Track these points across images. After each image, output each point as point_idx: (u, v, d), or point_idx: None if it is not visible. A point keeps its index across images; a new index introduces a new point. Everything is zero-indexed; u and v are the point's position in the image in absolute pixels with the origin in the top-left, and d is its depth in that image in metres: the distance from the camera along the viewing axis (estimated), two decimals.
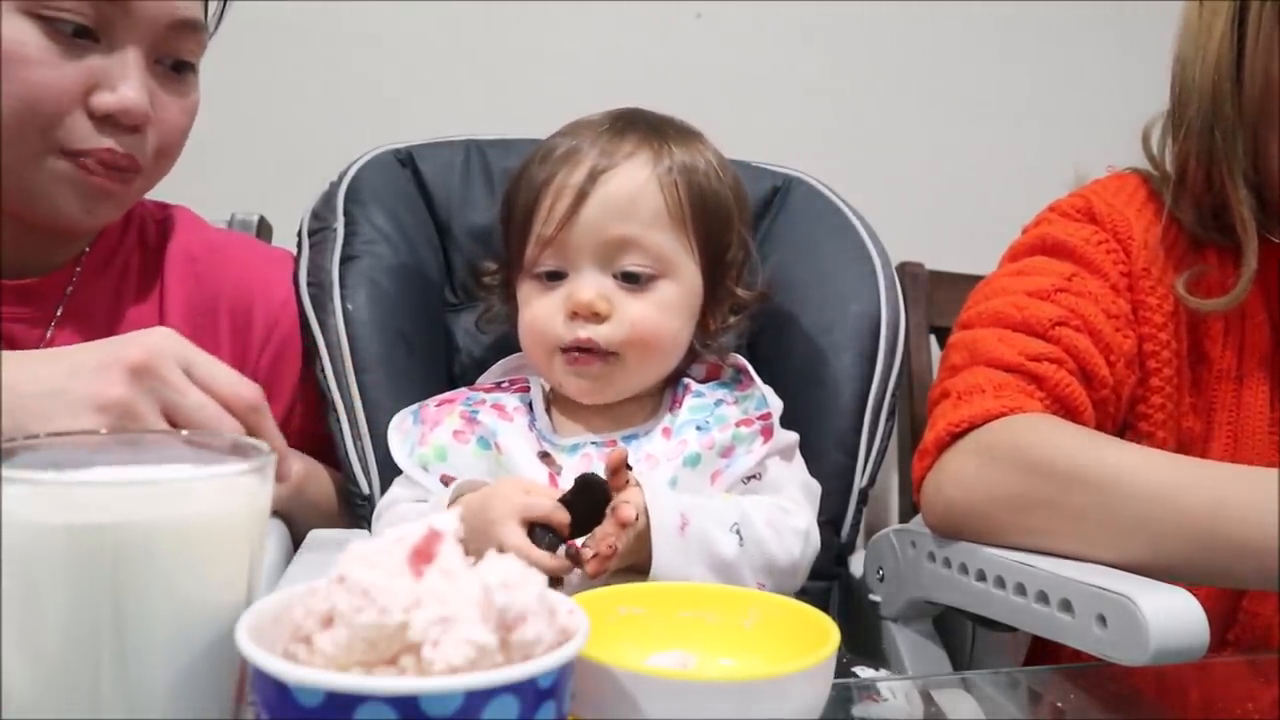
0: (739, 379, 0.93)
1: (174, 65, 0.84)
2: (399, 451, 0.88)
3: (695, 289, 0.89)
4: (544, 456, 0.85)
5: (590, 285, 0.84)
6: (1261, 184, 0.89)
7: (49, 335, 0.86)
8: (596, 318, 0.84)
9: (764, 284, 0.95)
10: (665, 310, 0.86)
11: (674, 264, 0.86)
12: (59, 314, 0.87)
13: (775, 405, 0.88)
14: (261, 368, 0.95)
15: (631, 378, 0.87)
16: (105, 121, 0.80)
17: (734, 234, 0.91)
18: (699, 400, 0.89)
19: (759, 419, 0.88)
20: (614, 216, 0.84)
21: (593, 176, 0.85)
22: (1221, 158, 0.88)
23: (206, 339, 0.93)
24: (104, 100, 0.79)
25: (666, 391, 0.92)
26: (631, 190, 0.85)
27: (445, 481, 0.85)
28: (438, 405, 0.91)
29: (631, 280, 0.85)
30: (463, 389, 0.94)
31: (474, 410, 0.88)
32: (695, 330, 0.90)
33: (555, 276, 0.87)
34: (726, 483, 0.85)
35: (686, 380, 0.92)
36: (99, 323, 0.89)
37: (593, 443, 0.87)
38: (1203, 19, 0.89)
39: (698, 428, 0.87)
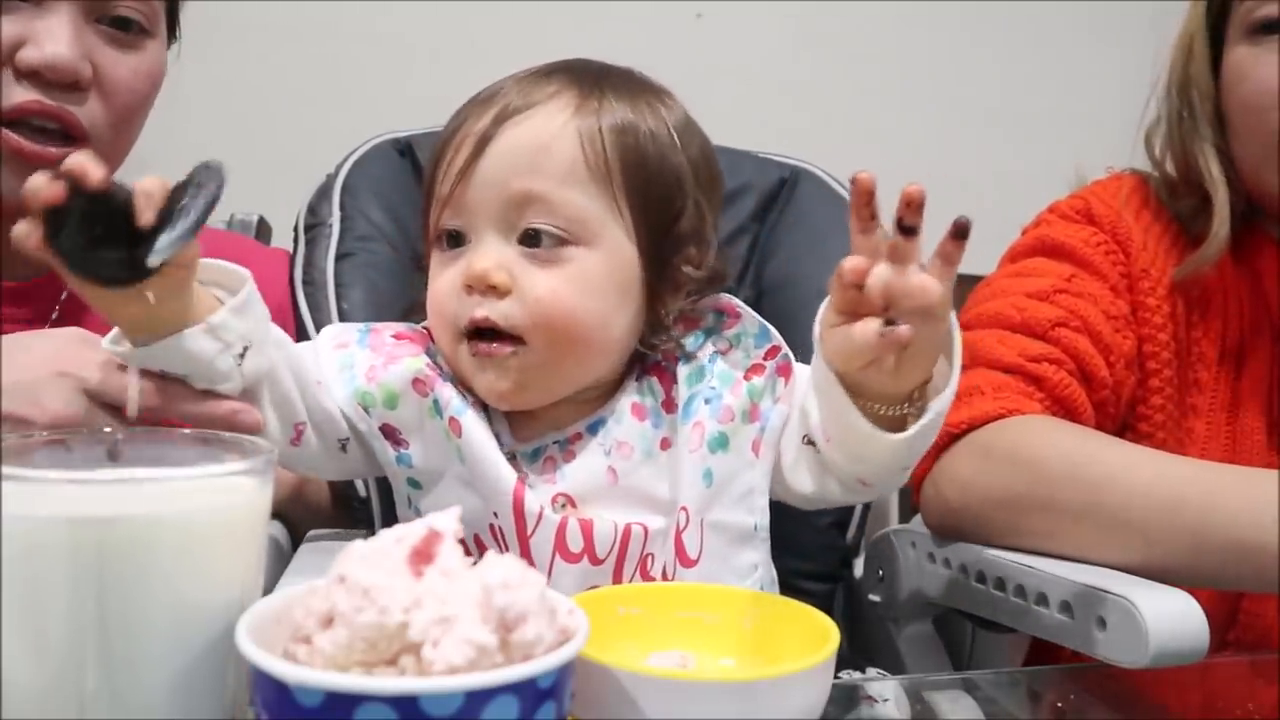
0: (721, 318, 0.78)
1: (117, 23, 0.81)
2: (335, 377, 0.73)
3: (626, 265, 0.73)
4: (509, 456, 0.74)
5: (488, 253, 0.70)
6: (1239, 176, 0.92)
7: None
8: (494, 292, 0.70)
9: (719, 262, 0.78)
10: (580, 286, 0.70)
11: (593, 231, 0.71)
12: (55, 315, 0.87)
13: (775, 334, 0.76)
14: None
15: (549, 373, 0.72)
16: (34, 80, 0.77)
17: (687, 203, 0.75)
18: (692, 365, 0.76)
19: (765, 356, 0.76)
20: (517, 168, 0.70)
21: (499, 120, 0.71)
22: (1190, 124, 0.92)
23: None
24: (28, 55, 0.77)
25: (634, 362, 0.78)
26: (542, 138, 0.71)
27: (385, 432, 0.73)
28: (395, 337, 0.76)
29: (534, 243, 0.70)
30: (425, 329, 0.78)
31: (441, 369, 0.75)
32: (643, 319, 0.75)
33: (456, 240, 0.73)
34: (772, 446, 0.74)
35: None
36: (95, 323, 0.88)
37: (555, 441, 0.75)
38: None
39: (706, 400, 0.74)
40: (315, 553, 0.76)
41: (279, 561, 0.76)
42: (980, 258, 1.07)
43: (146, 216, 0.56)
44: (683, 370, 0.75)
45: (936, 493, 0.84)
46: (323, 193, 0.99)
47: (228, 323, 0.63)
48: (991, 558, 0.79)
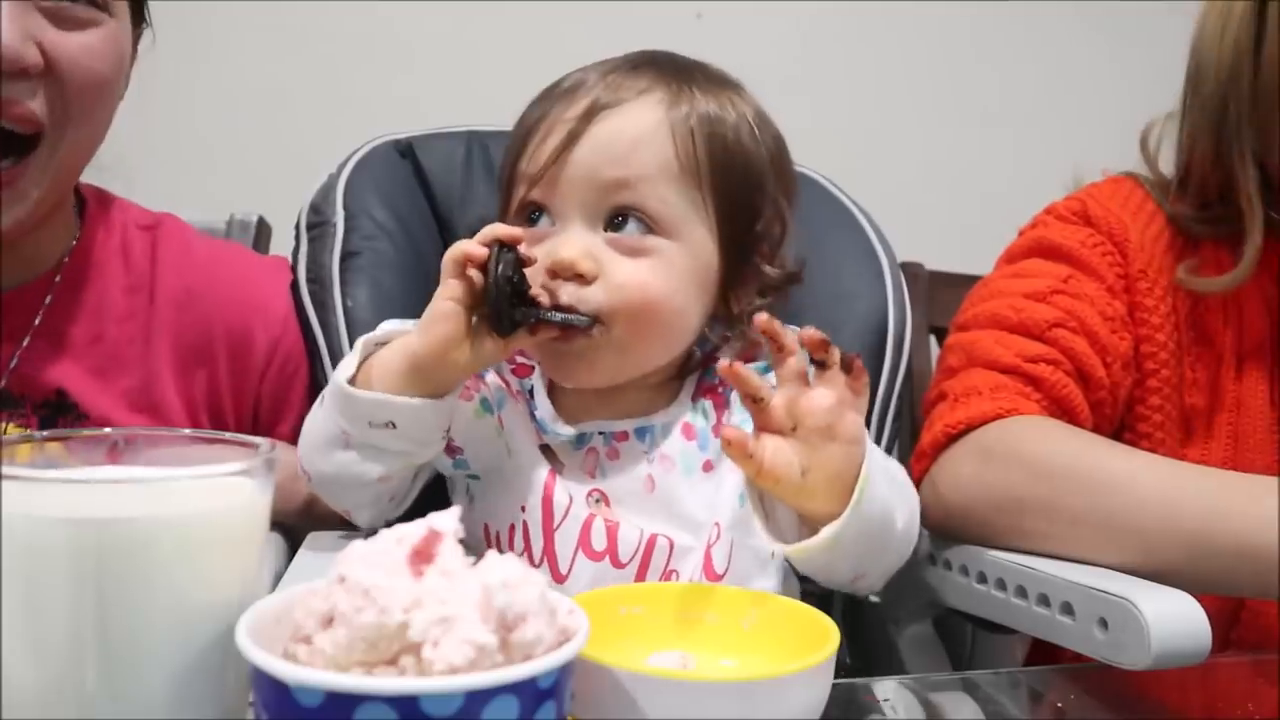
0: None
1: None
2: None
3: (706, 259, 0.75)
4: (544, 449, 0.77)
5: (575, 241, 0.72)
6: (1268, 169, 0.89)
7: (20, 351, 0.82)
8: (580, 280, 0.71)
9: (796, 263, 0.81)
10: (664, 276, 0.72)
11: (679, 225, 0.73)
12: (35, 327, 0.83)
13: None
14: (266, 389, 0.92)
15: (624, 356, 0.74)
16: None
17: (766, 201, 0.78)
18: None
19: None
20: (610, 158, 0.72)
21: (591, 113, 0.73)
22: (1233, 134, 0.88)
23: (202, 373, 0.88)
24: None
25: (688, 378, 0.81)
26: (636, 133, 0.73)
27: None
28: None
29: (620, 228, 0.72)
30: None
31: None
32: (715, 310, 0.78)
33: (537, 215, 0.74)
34: None
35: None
36: (76, 339, 0.84)
37: (600, 433, 0.77)
38: None
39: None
40: (315, 553, 0.76)
41: (276, 567, 0.75)
42: (979, 258, 1.08)
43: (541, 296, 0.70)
44: (738, 397, 0.77)
45: (935, 494, 0.84)
46: (325, 192, 0.99)
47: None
48: (992, 558, 0.79)
